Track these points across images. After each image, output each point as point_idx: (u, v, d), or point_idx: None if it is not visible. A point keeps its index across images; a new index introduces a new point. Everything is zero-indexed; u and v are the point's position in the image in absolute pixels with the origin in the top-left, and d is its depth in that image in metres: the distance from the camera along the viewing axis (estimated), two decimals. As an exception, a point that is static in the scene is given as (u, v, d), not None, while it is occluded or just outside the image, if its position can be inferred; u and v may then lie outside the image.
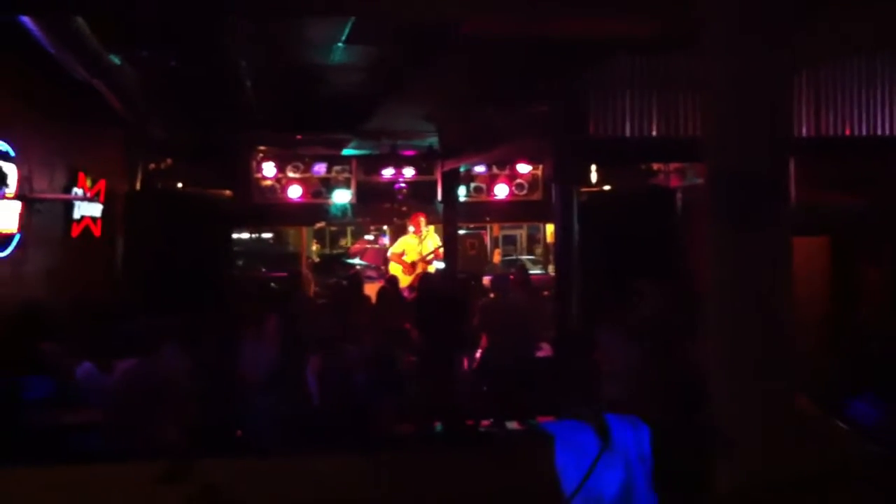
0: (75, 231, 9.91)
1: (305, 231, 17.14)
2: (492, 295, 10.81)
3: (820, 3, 6.26)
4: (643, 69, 8.84)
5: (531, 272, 14.83)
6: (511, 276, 11.21)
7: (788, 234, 4.23)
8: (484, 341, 9.96)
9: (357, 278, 12.22)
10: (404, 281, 13.37)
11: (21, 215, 8.38)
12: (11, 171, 8.13)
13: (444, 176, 14.60)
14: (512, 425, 8.67)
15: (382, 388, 7.46)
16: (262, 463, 5.02)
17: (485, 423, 8.74)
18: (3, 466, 4.75)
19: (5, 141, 8.04)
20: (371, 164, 15.51)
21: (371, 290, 11.67)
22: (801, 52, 7.03)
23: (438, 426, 8.05)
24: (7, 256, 8.21)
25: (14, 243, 8.29)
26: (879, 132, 8.78)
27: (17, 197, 8.30)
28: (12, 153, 8.15)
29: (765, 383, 4.20)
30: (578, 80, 8.85)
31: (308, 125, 13.17)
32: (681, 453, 4.33)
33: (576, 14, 7.12)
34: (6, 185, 8.00)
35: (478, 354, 10.08)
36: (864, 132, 8.73)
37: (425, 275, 13.11)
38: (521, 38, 7.69)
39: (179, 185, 14.18)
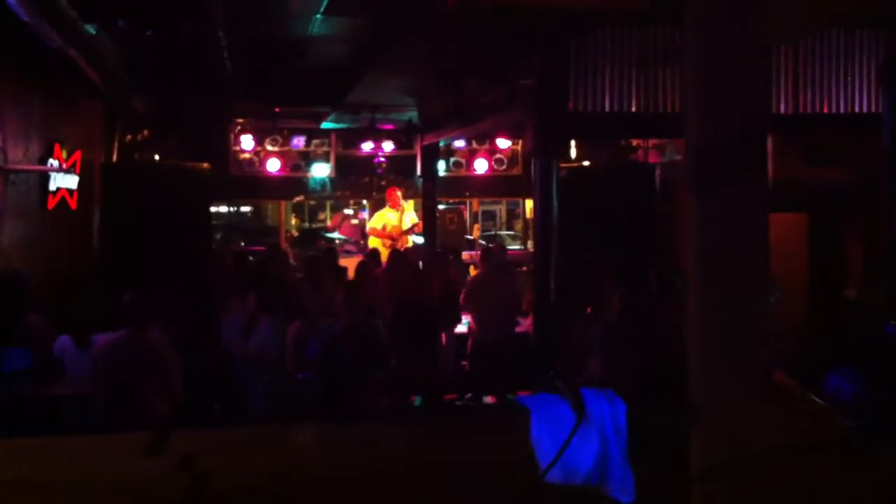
0: (51, 203, 9.82)
1: (284, 205, 17.08)
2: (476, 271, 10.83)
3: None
4: (624, 44, 8.81)
5: (510, 248, 14.88)
6: (480, 252, 11.26)
7: (763, 205, 4.26)
8: (467, 318, 10.02)
9: (332, 252, 12.19)
10: (384, 255, 13.36)
11: (1, 184, 8.32)
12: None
13: (424, 150, 14.58)
14: (488, 399, 8.71)
15: (359, 361, 7.47)
16: (241, 432, 5.03)
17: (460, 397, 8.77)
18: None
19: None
20: (350, 138, 15.49)
21: (350, 264, 11.65)
22: (778, 25, 7.03)
23: (417, 400, 8.07)
24: None
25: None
26: (857, 109, 8.82)
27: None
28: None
29: (740, 355, 4.23)
30: (559, 54, 8.81)
31: (287, 98, 13.10)
32: (656, 428, 4.36)
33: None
34: None
35: (459, 330, 10.12)
36: (842, 109, 8.76)
37: (399, 251, 13.09)
38: (504, 7, 7.63)
39: (157, 157, 14.09)
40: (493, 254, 10.59)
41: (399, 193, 14.49)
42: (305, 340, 7.83)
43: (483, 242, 15.96)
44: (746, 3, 4.33)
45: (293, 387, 7.69)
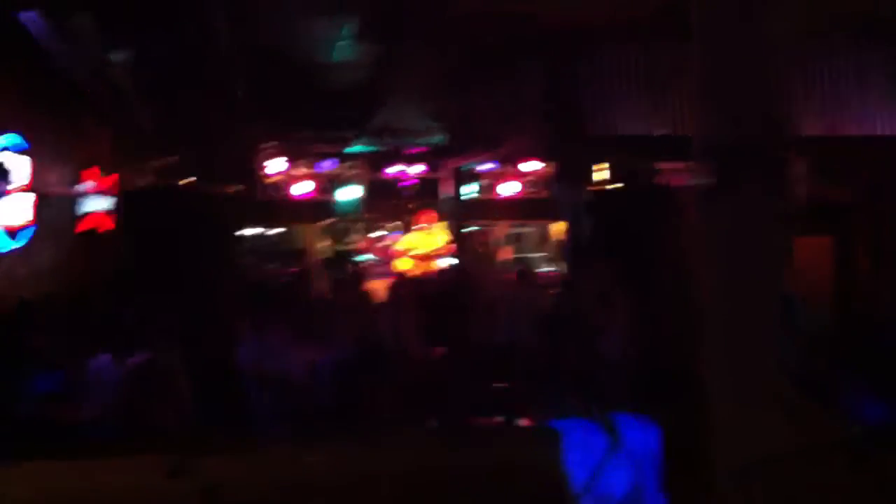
0: (81, 226, 9.96)
1: (313, 227, 17.13)
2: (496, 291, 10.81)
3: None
4: (651, 68, 8.82)
5: (541, 270, 14.82)
6: (513, 274, 11.23)
7: (779, 216, 4.16)
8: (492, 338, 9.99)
9: (359, 274, 12.23)
10: (413, 276, 13.37)
11: (35, 207, 8.48)
12: (25, 163, 8.22)
13: (451, 173, 14.61)
14: (521, 422, 8.68)
15: (381, 381, 7.49)
16: (257, 452, 5.07)
17: (494, 420, 8.75)
18: (5, 463, 4.81)
19: (19, 134, 8.13)
20: (378, 161, 15.53)
21: (380, 285, 11.68)
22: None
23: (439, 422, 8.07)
24: (22, 248, 8.31)
25: (29, 235, 8.39)
26: (871, 132, 8.77)
27: (29, 189, 8.39)
28: (26, 145, 8.24)
29: (757, 366, 4.16)
30: (584, 79, 8.84)
31: (315, 122, 13.19)
32: (679, 441, 4.33)
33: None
34: (18, 179, 8.08)
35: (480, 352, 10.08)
36: (855, 132, 8.72)
37: (433, 272, 13.12)
38: (529, 26, 7.65)
39: (185, 181, 14.20)
40: (528, 276, 10.57)
41: (430, 216, 14.52)
42: (328, 362, 7.87)
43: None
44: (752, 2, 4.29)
45: (312, 407, 7.71)
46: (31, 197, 8.43)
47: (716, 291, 4.22)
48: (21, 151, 8.23)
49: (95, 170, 10.03)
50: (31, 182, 8.40)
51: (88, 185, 9.97)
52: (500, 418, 8.68)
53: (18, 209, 8.31)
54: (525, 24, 7.64)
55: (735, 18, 4.15)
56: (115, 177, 10.67)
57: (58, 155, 9.37)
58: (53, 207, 9.30)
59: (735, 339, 4.18)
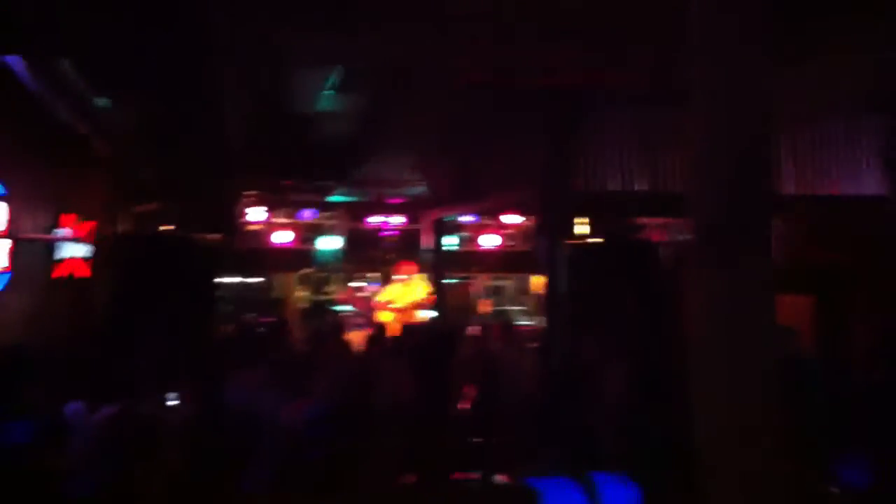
0: (57, 272, 9.83)
1: (292, 277, 17.05)
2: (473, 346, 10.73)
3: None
4: (632, 126, 8.88)
5: (520, 323, 14.77)
6: (495, 327, 11.15)
7: (769, 278, 4.25)
8: (471, 393, 9.88)
9: (338, 325, 12.13)
10: (393, 328, 13.28)
11: (10, 253, 8.35)
12: (3, 209, 8.11)
13: (432, 224, 14.60)
14: (498, 479, 8.58)
15: (364, 434, 7.39)
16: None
17: (472, 475, 8.64)
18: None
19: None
20: (358, 211, 15.54)
21: (358, 337, 11.57)
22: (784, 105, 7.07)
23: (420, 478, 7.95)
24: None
25: (5, 281, 8.25)
26: (860, 191, 8.84)
27: (6, 235, 8.27)
28: (3, 191, 8.13)
29: (752, 433, 4.16)
30: (568, 134, 8.87)
31: (296, 171, 13.18)
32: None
33: (570, 66, 7.17)
34: None
35: (461, 406, 9.98)
36: (845, 191, 8.79)
37: (412, 325, 13.02)
38: (513, 89, 7.73)
39: (164, 228, 14.11)
40: (511, 329, 10.52)
41: (410, 267, 14.49)
42: (311, 413, 7.76)
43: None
44: (748, 89, 4.37)
45: (299, 457, 7.58)
46: (7, 243, 8.31)
47: (708, 351, 4.24)
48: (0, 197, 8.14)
49: (72, 216, 9.92)
50: (7, 227, 8.28)
51: (66, 231, 9.85)
52: (476, 474, 8.59)
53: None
54: (521, 90, 7.70)
55: (731, 90, 4.24)
56: (91, 223, 10.55)
57: (35, 200, 9.26)
58: (29, 253, 9.17)
59: (730, 401, 4.19)
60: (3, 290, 8.30)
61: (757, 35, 4.32)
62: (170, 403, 6.91)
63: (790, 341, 8.06)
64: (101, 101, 8.52)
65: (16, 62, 6.83)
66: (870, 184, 8.80)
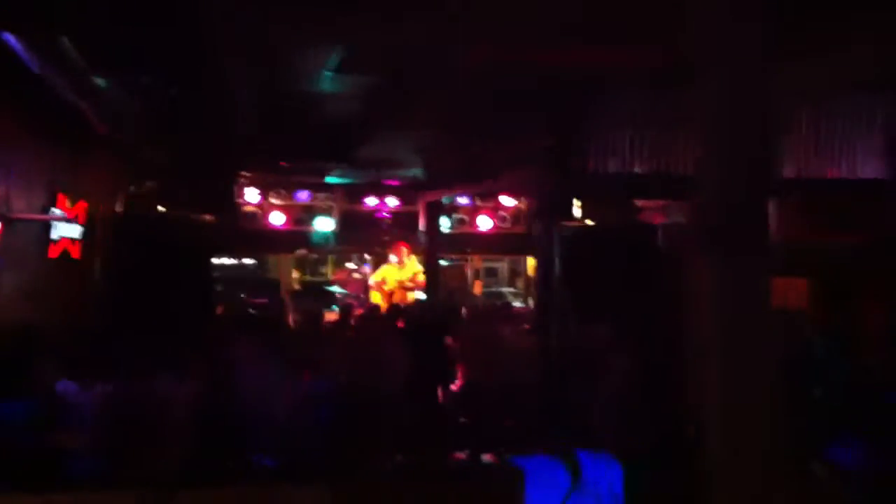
0: (52, 252, 9.79)
1: (287, 258, 17.08)
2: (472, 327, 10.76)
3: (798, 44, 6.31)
4: (632, 106, 8.87)
5: (514, 305, 14.82)
6: (492, 308, 11.19)
7: (769, 264, 4.29)
8: (464, 373, 9.90)
9: (348, 309, 12.18)
10: (386, 309, 13.31)
11: (3, 233, 8.29)
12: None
13: (427, 206, 14.60)
14: (486, 458, 8.62)
15: (359, 416, 7.39)
16: (243, 490, 4.99)
17: (460, 455, 8.68)
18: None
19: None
20: (354, 193, 15.55)
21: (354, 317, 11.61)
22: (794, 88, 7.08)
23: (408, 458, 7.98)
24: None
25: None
26: (863, 175, 8.85)
27: (-2, 214, 8.23)
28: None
29: (750, 416, 4.19)
30: (567, 116, 8.86)
31: (293, 153, 13.15)
32: (657, 490, 4.31)
33: (576, 45, 7.13)
34: None
35: (456, 387, 10.01)
36: (848, 174, 8.79)
37: (407, 306, 13.04)
38: (517, 70, 7.69)
39: (162, 208, 14.09)
40: (510, 311, 10.54)
41: (405, 248, 14.51)
42: (308, 393, 7.76)
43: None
44: (770, 63, 4.38)
45: (298, 440, 7.59)
46: (-2, 222, 8.26)
47: (709, 336, 4.27)
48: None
49: (64, 196, 9.86)
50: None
51: (59, 210, 9.81)
52: (464, 454, 8.63)
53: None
54: (527, 70, 7.66)
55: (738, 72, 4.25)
56: (83, 204, 10.51)
57: (31, 179, 9.20)
58: (26, 232, 9.13)
59: (729, 386, 4.22)
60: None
61: (759, 14, 4.31)
62: (170, 382, 6.89)
63: (798, 325, 8.11)
64: (101, 81, 8.45)
65: (15, 40, 6.76)
66: (872, 165, 8.80)
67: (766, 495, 4.10)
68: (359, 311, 12.43)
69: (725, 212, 4.27)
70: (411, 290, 14.34)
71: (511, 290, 20.00)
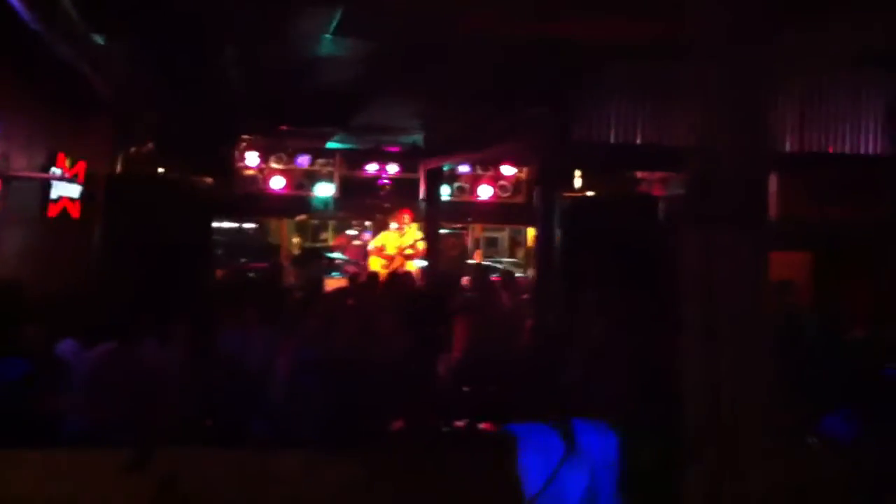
0: (52, 211, 9.80)
1: (286, 223, 17.06)
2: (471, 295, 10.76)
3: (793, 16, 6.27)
4: (633, 77, 8.83)
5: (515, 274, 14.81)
6: (495, 279, 11.20)
7: (765, 237, 4.27)
8: (463, 342, 9.92)
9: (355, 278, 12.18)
10: (384, 275, 13.31)
11: (3, 191, 8.30)
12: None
13: (428, 174, 14.57)
14: (483, 426, 8.65)
15: (349, 386, 7.41)
16: (228, 455, 5.01)
17: (459, 423, 8.72)
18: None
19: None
20: (355, 159, 15.52)
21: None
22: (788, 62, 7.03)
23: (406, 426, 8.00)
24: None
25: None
26: (862, 150, 8.81)
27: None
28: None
29: (742, 390, 4.19)
30: (568, 85, 8.82)
31: (294, 117, 13.11)
32: (649, 458, 4.32)
33: (577, 15, 7.09)
34: None
35: (454, 356, 10.03)
36: (847, 149, 8.76)
37: (406, 273, 13.03)
38: (518, 39, 7.65)
39: (161, 170, 14.06)
40: (511, 281, 10.54)
41: (407, 216, 14.47)
42: (302, 358, 7.76)
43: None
44: (766, 36, 4.35)
45: (291, 404, 7.61)
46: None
47: (700, 316, 4.26)
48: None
49: (63, 156, 9.85)
50: (-1, 165, 8.23)
51: (59, 170, 9.80)
52: (462, 422, 8.66)
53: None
54: (525, 40, 7.62)
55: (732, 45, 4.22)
56: (83, 164, 10.49)
57: (32, 138, 9.19)
58: (25, 191, 9.13)
59: (721, 358, 4.22)
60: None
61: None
62: (165, 345, 6.90)
63: (787, 295, 8.11)
64: (102, 42, 8.41)
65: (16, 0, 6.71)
66: (870, 142, 8.76)
67: (745, 469, 4.11)
68: (362, 279, 12.46)
69: (723, 185, 4.25)
70: (411, 257, 14.32)
71: (511, 260, 20.00)
